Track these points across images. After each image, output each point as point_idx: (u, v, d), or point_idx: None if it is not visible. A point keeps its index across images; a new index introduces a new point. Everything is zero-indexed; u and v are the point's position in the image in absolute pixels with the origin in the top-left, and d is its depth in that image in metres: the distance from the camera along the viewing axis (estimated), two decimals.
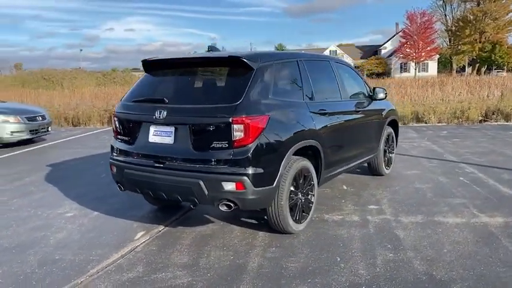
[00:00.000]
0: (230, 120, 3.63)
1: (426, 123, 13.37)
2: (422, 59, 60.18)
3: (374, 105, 5.91)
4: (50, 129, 10.84)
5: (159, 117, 3.93)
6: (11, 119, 9.66)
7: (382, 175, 6.47)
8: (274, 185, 3.87)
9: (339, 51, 74.39)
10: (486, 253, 3.73)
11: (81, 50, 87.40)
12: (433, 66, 62.77)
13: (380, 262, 3.61)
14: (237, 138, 3.64)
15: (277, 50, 64.35)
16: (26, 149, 9.81)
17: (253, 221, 4.64)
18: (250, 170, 3.68)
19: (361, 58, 71.00)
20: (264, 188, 3.79)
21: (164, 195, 4.06)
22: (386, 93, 5.90)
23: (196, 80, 4.17)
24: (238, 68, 3.93)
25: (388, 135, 6.47)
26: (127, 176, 4.22)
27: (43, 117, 10.52)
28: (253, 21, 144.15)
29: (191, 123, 3.80)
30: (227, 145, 3.67)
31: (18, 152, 9.52)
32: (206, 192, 3.74)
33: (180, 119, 3.86)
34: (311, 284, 3.28)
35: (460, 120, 13.28)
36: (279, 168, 3.89)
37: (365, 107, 5.71)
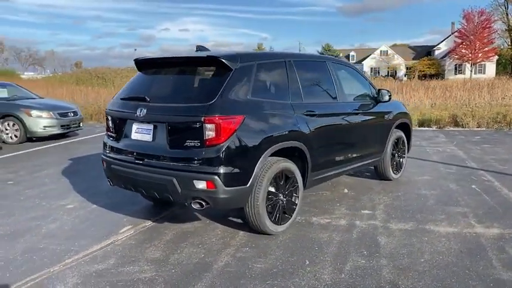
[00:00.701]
0: (202, 119, 3.67)
1: (463, 127, 12.77)
2: (478, 60, 57.44)
3: (379, 108, 5.75)
4: (81, 125, 11.35)
5: (140, 115, 4.04)
6: (44, 114, 10.21)
7: (390, 180, 6.27)
8: (248, 185, 3.87)
9: (390, 51, 72.59)
10: (464, 265, 3.55)
11: (135, 50, 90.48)
12: (491, 68, 59.62)
13: (348, 268, 3.52)
14: (208, 137, 3.68)
15: (324, 50, 63.79)
16: (57, 143, 10.33)
17: (239, 221, 4.65)
18: (221, 170, 3.70)
19: (413, 59, 68.77)
20: (236, 187, 3.80)
21: (144, 191, 4.17)
22: (390, 96, 5.71)
23: (177, 79, 4.24)
24: (217, 68, 3.96)
25: (398, 139, 6.26)
26: (114, 172, 4.37)
27: (75, 113, 11.05)
28: (306, 21, 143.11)
29: (167, 122, 3.87)
30: (199, 144, 3.72)
31: (48, 145, 10.04)
32: (179, 190, 3.80)
33: (158, 117, 3.95)
34: (269, 285, 3.26)
35: (501, 125, 12.58)
36: (254, 169, 3.88)
37: (368, 109, 5.57)
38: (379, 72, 67.81)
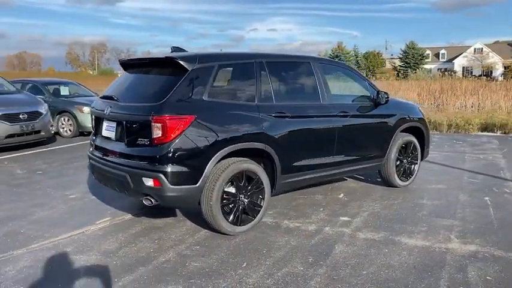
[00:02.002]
0: (151, 118, 3.80)
1: None
2: None
3: (379, 110, 5.47)
4: None
5: (107, 113, 4.27)
6: None
7: (397, 187, 5.92)
8: (198, 184, 3.93)
9: (485, 49, 67.43)
10: (405, 282, 3.31)
11: (221, 50, 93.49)
12: None
13: (280, 274, 3.44)
14: (156, 136, 3.80)
15: (408, 48, 60.80)
16: None
17: None
18: (167, 168, 3.80)
19: None
20: (184, 186, 3.88)
21: (109, 186, 4.41)
22: (387, 98, 5.39)
23: (142, 79, 4.41)
24: (174, 68, 4.06)
25: (406, 144, 5.90)
26: (92, 167, 4.66)
27: None
28: (397, 18, 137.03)
29: (124, 120, 4.06)
30: (149, 142, 3.85)
31: None
32: (132, 186, 3.97)
33: (118, 116, 4.15)
34: (189, 284, 3.30)
35: None
36: (204, 169, 3.93)
37: (362, 112, 5.34)
38: (471, 72, 63.15)
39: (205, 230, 4.39)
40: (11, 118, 8.68)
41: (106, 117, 4.30)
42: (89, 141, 4.90)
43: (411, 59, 59.83)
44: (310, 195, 5.64)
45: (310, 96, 4.89)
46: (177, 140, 3.79)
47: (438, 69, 56.40)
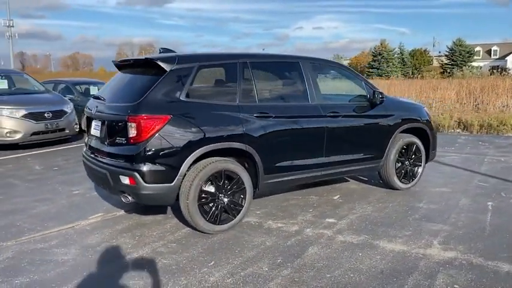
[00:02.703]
0: (126, 118, 3.92)
1: None
2: None
3: (376, 111, 5.35)
4: None
5: (93, 112, 4.44)
6: None
7: (397, 189, 5.77)
8: (173, 183, 4.01)
9: None
10: (366, 287, 3.23)
11: (263, 49, 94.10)
12: None
13: (243, 274, 3.46)
14: (132, 135, 3.91)
15: (455, 45, 58.49)
16: None
17: None
18: (141, 167, 3.91)
19: None
20: (159, 185, 3.97)
21: (96, 183, 4.57)
22: (382, 98, 5.25)
23: (126, 80, 4.52)
24: (154, 69, 4.16)
25: (408, 145, 5.73)
26: (84, 164, 4.85)
27: None
28: (448, 14, 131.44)
29: (107, 119, 4.20)
30: (125, 141, 3.98)
31: None
32: (111, 183, 4.11)
33: (102, 115, 4.30)
34: (152, 280, 3.38)
35: None
36: (180, 168, 4.00)
37: (356, 112, 5.23)
38: None
39: (188, 228, 4.46)
40: (36, 116, 9.14)
41: (93, 116, 4.47)
42: None
43: (458, 57, 57.56)
44: (305, 196, 5.60)
45: (298, 96, 4.86)
46: (151, 140, 3.88)
47: (490, 67, 53.88)
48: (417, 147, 5.84)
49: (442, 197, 5.48)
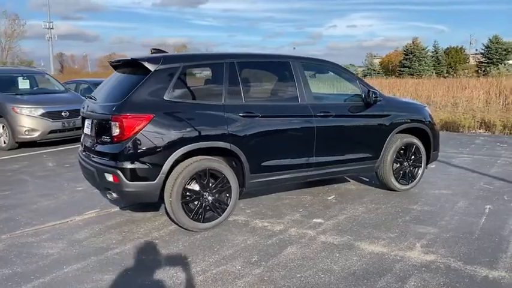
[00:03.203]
0: (110, 117, 4.03)
1: None
2: None
3: (371, 110, 5.27)
4: None
5: (85, 111, 4.59)
6: None
7: (395, 191, 5.67)
8: (155, 181, 4.09)
9: None
10: None
11: (294, 48, 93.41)
12: None
13: (215, 272, 3.51)
14: (115, 134, 4.02)
15: (491, 42, 56.42)
16: None
17: None
18: (124, 164, 4.01)
19: None
20: (141, 182, 4.07)
21: (88, 181, 4.71)
22: (375, 98, 5.17)
23: (116, 80, 4.62)
24: (140, 69, 4.26)
25: (406, 146, 5.62)
26: (79, 162, 5.01)
27: None
28: (489, 10, 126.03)
29: (95, 118, 4.33)
30: (110, 140, 4.09)
31: None
32: (98, 180, 4.24)
33: (92, 114, 4.44)
34: (123, 276, 3.47)
35: None
36: (162, 166, 4.08)
37: (349, 112, 5.19)
38: None
39: (175, 226, 4.54)
40: (54, 115, 9.46)
41: (85, 115, 4.62)
42: None
43: (494, 55, 55.48)
44: (300, 195, 5.59)
45: (287, 96, 4.86)
46: (134, 138, 3.98)
47: None
48: (417, 148, 5.73)
49: (439, 199, 5.36)
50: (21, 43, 53.69)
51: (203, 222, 4.34)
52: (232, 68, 4.50)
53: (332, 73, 5.51)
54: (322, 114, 4.90)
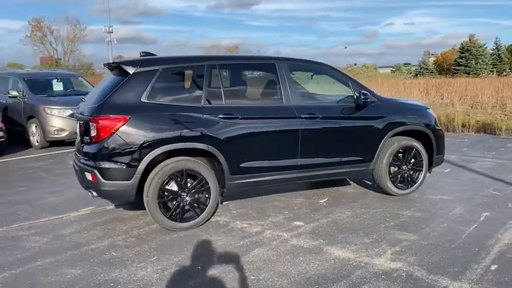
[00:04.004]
0: (89, 118, 4.22)
1: None
2: None
3: (364, 112, 5.15)
4: None
5: (76, 113, 4.82)
6: None
7: (393, 195, 5.50)
8: (131, 181, 4.23)
9: None
10: None
11: (345, 47, 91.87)
12: None
13: (172, 270, 3.60)
14: (93, 134, 4.21)
15: None
16: None
17: None
18: (100, 164, 4.19)
19: None
20: (117, 182, 4.22)
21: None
22: (365, 99, 5.03)
23: (103, 82, 4.80)
24: (121, 72, 4.42)
25: (405, 149, 5.44)
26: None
27: None
28: None
29: (80, 120, 4.54)
30: (89, 140, 4.28)
31: None
32: (81, 179, 4.45)
33: (78, 116, 4.66)
34: (90, 270, 3.62)
35: None
36: (137, 166, 4.21)
37: (339, 114, 5.09)
38: None
39: (157, 225, 4.65)
40: None
41: (76, 117, 4.84)
42: None
43: None
44: (292, 197, 5.56)
45: (271, 97, 4.86)
46: (110, 139, 4.14)
47: None
48: (417, 151, 5.51)
49: (435, 205, 5.14)
50: (82, 47, 56.69)
51: (181, 222, 4.43)
52: (213, 70, 4.56)
53: (323, 74, 5.42)
54: (307, 116, 4.84)
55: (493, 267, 3.50)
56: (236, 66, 4.88)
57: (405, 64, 72.43)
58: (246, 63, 5.00)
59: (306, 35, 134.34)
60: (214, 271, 3.55)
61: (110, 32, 51.51)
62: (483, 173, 6.68)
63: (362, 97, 5.00)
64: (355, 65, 61.50)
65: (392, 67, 66.22)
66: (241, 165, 4.61)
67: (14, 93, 10.16)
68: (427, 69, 57.14)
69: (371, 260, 3.69)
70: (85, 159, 4.36)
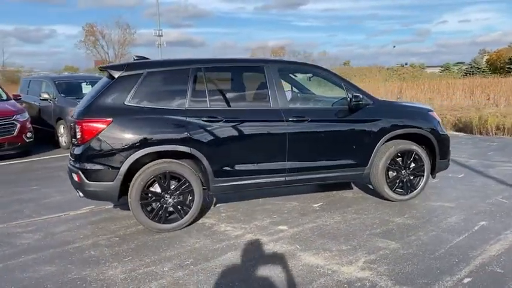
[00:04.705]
0: (75, 121, 4.38)
1: None
2: None
3: (357, 115, 5.02)
4: None
5: (70, 116, 5.01)
6: None
7: (391, 201, 5.32)
8: (114, 182, 4.34)
9: None
10: None
11: (394, 47, 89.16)
12: None
13: (141, 271, 3.66)
14: (78, 137, 4.37)
15: None
16: None
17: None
18: (84, 166, 4.34)
19: None
20: (100, 183, 4.35)
21: None
22: (356, 102, 4.89)
23: (95, 85, 4.95)
24: (108, 76, 4.56)
25: (403, 153, 5.25)
26: None
27: None
28: None
29: (71, 122, 4.72)
30: (76, 143, 4.44)
31: None
32: (71, 180, 4.62)
33: (70, 119, 4.83)
34: (63, 267, 3.76)
35: None
36: (119, 168, 4.32)
37: (330, 116, 5.00)
38: None
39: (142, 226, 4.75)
40: None
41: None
42: None
43: None
44: (287, 201, 5.51)
45: (258, 100, 4.83)
46: (91, 141, 4.28)
47: None
48: (418, 156, 5.30)
49: (432, 213, 4.92)
50: (133, 50, 58.84)
51: (165, 223, 4.50)
52: (198, 73, 4.61)
53: (316, 76, 5.32)
54: (295, 119, 4.78)
55: (467, 280, 3.31)
56: (223, 70, 4.90)
57: (457, 63, 69.44)
58: (234, 66, 4.99)
59: (354, 34, 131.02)
60: (179, 274, 3.58)
61: (160, 36, 52.98)
62: (499, 180, 6.32)
63: (353, 100, 4.87)
64: (406, 64, 59.60)
65: (441, 66, 63.63)
66: (225, 168, 4.62)
67: (45, 96, 10.69)
68: (479, 68, 54.48)
69: (340, 268, 3.59)
70: (73, 161, 4.52)
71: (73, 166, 4.49)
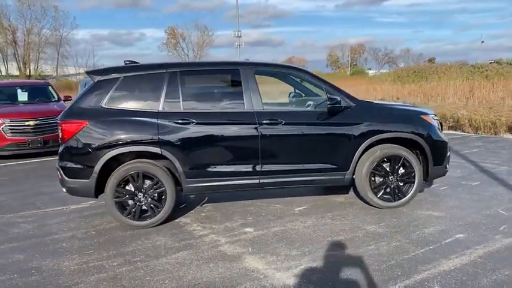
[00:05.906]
0: (58, 123, 4.77)
1: None
2: None
3: (338, 118, 4.89)
4: None
5: None
6: None
7: (377, 207, 5.12)
8: (89, 180, 4.66)
9: None
10: None
11: (482, 42, 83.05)
12: None
13: (92, 265, 3.91)
14: (60, 137, 4.75)
15: None
16: None
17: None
18: (63, 164, 4.71)
19: None
20: (77, 180, 4.69)
21: None
22: (332, 105, 4.75)
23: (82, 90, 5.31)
24: (91, 80, 4.89)
25: (390, 158, 5.03)
26: None
27: None
28: None
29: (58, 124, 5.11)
30: (59, 142, 4.83)
31: None
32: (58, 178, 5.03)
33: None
34: (31, 256, 4.12)
35: None
36: (94, 166, 4.63)
37: (307, 119, 4.93)
38: None
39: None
40: None
41: None
42: None
43: None
44: (272, 204, 5.50)
45: (233, 103, 4.87)
46: (69, 141, 4.63)
47: None
48: (407, 161, 5.04)
49: (412, 222, 4.66)
50: (213, 51, 61.50)
51: (138, 220, 4.74)
52: (173, 77, 4.77)
53: (299, 79, 5.25)
54: (268, 121, 4.77)
55: None
56: (198, 73, 5.01)
57: None
58: (210, 69, 5.09)
59: (440, 29, 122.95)
60: (122, 269, 3.78)
61: (239, 37, 54.32)
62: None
63: (329, 102, 4.75)
64: (501, 60, 55.03)
65: None
66: (196, 169, 4.74)
67: None
68: None
69: (275, 273, 3.57)
70: (58, 159, 4.90)
71: (57, 164, 4.87)
